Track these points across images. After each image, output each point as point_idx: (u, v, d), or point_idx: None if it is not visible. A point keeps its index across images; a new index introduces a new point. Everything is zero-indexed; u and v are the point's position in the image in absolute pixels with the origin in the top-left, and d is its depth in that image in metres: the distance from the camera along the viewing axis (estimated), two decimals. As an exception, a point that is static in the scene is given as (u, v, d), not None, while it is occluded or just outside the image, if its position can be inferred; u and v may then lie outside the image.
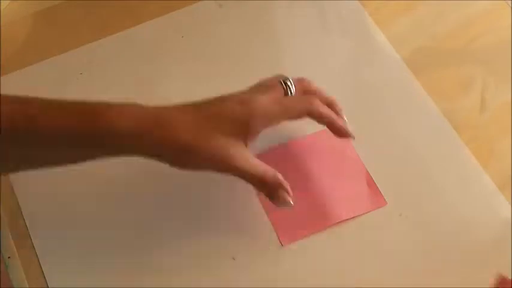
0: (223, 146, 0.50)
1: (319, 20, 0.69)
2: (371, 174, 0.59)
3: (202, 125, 0.49)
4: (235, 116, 0.50)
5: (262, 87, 0.54)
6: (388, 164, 0.60)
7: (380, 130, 0.62)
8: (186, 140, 0.49)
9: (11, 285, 0.55)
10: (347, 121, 0.56)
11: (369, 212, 0.57)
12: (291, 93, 0.54)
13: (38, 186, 0.60)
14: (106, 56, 0.68)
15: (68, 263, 0.56)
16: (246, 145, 0.52)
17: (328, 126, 0.55)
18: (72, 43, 0.68)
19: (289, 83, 0.54)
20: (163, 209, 0.58)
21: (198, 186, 0.58)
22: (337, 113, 0.56)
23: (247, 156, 0.51)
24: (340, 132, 0.55)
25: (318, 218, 0.57)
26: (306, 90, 0.56)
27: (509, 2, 0.70)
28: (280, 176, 0.52)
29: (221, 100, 0.52)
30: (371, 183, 0.59)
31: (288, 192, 0.52)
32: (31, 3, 0.71)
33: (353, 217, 0.57)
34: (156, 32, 0.69)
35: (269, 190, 0.52)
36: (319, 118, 0.54)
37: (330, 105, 0.56)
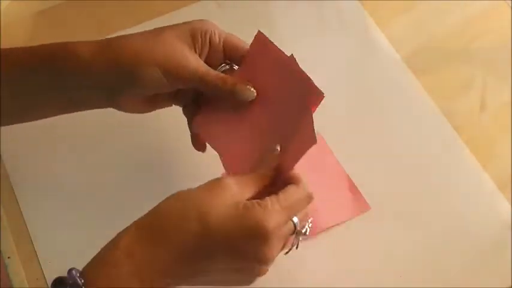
0: (176, 47, 0.51)
1: (319, 20, 0.69)
2: (370, 174, 0.59)
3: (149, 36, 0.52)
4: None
5: None
6: (388, 164, 0.60)
7: (380, 130, 0.62)
8: (135, 46, 0.51)
9: (11, 285, 0.55)
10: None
11: (354, 217, 0.57)
12: None
13: (38, 186, 0.60)
14: (106, 56, 0.68)
15: (68, 263, 0.56)
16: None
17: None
18: (72, 43, 0.68)
19: None
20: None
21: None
22: None
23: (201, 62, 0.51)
24: None
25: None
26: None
27: (509, 2, 0.70)
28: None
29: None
30: (353, 190, 0.58)
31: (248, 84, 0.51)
32: (31, 3, 0.71)
33: (338, 224, 0.56)
34: (156, 32, 0.69)
35: (228, 87, 0.51)
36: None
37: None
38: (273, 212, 0.44)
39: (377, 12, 0.70)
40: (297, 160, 0.47)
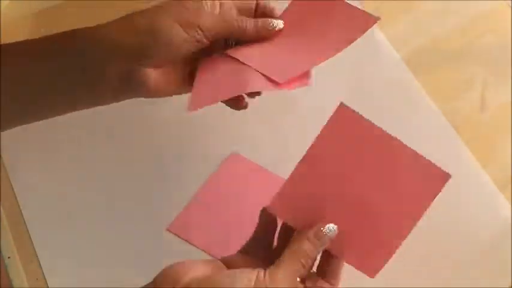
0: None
1: (319, 20, 0.69)
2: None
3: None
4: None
5: None
6: (388, 164, 0.60)
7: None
8: (150, 11, 0.52)
9: (11, 285, 0.55)
10: None
11: (362, 34, 0.53)
12: None
13: (38, 186, 0.60)
14: (106, 56, 0.68)
15: (68, 263, 0.56)
16: None
17: None
18: (72, 43, 0.68)
19: None
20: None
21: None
22: None
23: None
24: None
25: (310, 55, 0.53)
26: None
27: (510, 2, 0.70)
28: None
29: None
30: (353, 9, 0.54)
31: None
32: (31, 3, 0.71)
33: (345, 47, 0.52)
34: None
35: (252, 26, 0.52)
36: None
37: None
38: None
39: (377, 12, 0.69)
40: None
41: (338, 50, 0.53)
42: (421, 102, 0.63)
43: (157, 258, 0.56)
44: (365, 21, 0.55)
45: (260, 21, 0.53)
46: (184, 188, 0.59)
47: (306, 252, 0.45)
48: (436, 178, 0.46)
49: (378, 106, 0.64)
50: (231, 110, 0.54)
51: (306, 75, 0.53)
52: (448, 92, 0.64)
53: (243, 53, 0.54)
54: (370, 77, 0.65)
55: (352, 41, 0.52)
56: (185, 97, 0.52)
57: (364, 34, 0.68)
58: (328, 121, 0.48)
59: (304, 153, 0.48)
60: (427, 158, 0.60)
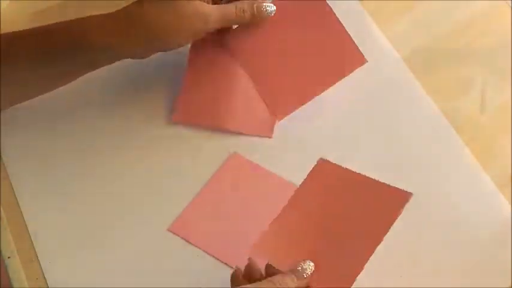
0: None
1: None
2: (370, 175, 0.59)
3: None
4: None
5: None
6: (388, 164, 0.60)
7: (380, 130, 0.62)
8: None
9: (11, 285, 0.55)
10: None
11: (351, 72, 0.60)
12: None
13: (38, 186, 0.60)
14: (106, 56, 0.68)
15: (68, 263, 0.56)
16: None
17: None
18: (72, 43, 0.68)
19: None
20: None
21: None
22: None
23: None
24: None
25: (305, 87, 0.61)
26: None
27: (509, 2, 0.70)
28: None
29: None
30: (348, 42, 0.60)
31: None
32: (31, 3, 0.71)
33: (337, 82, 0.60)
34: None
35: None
36: None
37: None
38: None
39: (377, 12, 0.70)
40: None
41: (327, 86, 0.61)
42: (421, 102, 0.63)
43: (158, 258, 0.56)
44: (357, 60, 0.61)
45: (256, 8, 0.59)
46: (185, 189, 0.59)
47: (286, 282, 0.47)
48: (397, 200, 0.50)
49: (378, 106, 0.64)
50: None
51: (270, 127, 0.61)
52: (448, 92, 0.64)
53: (243, 57, 0.61)
54: (370, 77, 0.65)
55: (341, 78, 0.60)
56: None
57: (364, 34, 0.68)
58: (309, 174, 0.53)
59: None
60: (426, 157, 0.60)
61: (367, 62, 0.60)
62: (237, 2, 0.59)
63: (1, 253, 0.57)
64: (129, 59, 0.58)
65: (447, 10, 0.69)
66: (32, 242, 0.57)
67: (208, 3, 0.57)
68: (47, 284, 0.55)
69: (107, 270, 0.56)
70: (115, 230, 0.58)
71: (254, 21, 0.60)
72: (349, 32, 0.62)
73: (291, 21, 0.62)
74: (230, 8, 0.58)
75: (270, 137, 0.61)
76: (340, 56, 0.61)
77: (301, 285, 0.48)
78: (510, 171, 0.59)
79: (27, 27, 0.65)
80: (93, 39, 0.54)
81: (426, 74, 0.65)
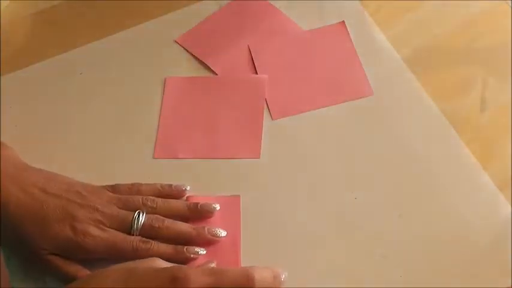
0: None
1: (319, 20, 0.69)
2: (370, 174, 0.59)
3: None
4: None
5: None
6: (388, 164, 0.60)
7: (380, 130, 0.62)
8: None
9: (11, 285, 0.55)
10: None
11: (353, 100, 0.63)
12: None
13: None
14: (106, 56, 0.68)
15: (68, 263, 0.56)
16: None
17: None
18: (72, 43, 0.68)
19: None
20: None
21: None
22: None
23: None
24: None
25: (307, 99, 0.64)
26: None
27: (509, 2, 0.69)
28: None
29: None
30: (360, 72, 0.64)
31: None
32: (31, 3, 0.71)
33: (339, 103, 0.63)
34: (156, 32, 0.69)
35: None
36: None
37: None
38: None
39: (377, 12, 0.70)
40: None
41: (329, 104, 0.63)
42: (421, 102, 0.63)
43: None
44: (365, 90, 0.64)
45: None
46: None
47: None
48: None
49: (378, 106, 0.64)
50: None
51: (257, 150, 0.61)
52: (448, 92, 0.64)
53: (261, 59, 0.66)
54: (369, 77, 0.65)
55: (344, 101, 0.63)
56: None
57: (364, 34, 0.68)
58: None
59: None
60: (426, 157, 0.60)
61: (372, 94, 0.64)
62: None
63: (1, 253, 0.57)
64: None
65: (447, 10, 0.69)
66: (32, 242, 0.57)
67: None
68: (47, 284, 0.55)
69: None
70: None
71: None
72: (353, 41, 0.66)
73: (313, 41, 0.67)
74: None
75: (258, 158, 0.61)
76: (349, 82, 0.64)
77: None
78: (510, 171, 0.59)
79: (27, 27, 0.65)
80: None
81: (426, 74, 0.65)
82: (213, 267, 0.52)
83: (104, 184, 0.58)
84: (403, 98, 0.64)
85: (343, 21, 0.68)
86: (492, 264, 0.55)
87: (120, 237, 0.53)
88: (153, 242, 0.53)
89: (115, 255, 0.52)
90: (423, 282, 0.54)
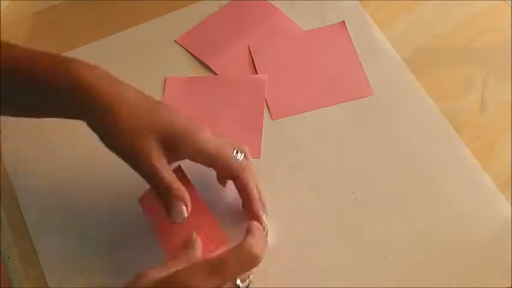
0: (148, 142, 0.51)
1: (319, 20, 0.69)
2: (370, 174, 0.59)
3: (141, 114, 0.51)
4: (176, 131, 0.51)
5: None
6: (388, 164, 0.60)
7: (380, 130, 0.62)
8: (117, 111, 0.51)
9: (11, 285, 0.55)
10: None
11: (353, 100, 0.63)
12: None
13: (38, 186, 0.60)
14: (106, 56, 0.68)
15: (68, 263, 0.56)
16: (168, 161, 0.52)
17: (245, 200, 0.54)
18: (72, 43, 0.68)
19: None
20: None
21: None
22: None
23: (165, 163, 0.51)
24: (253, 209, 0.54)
25: (307, 99, 0.64)
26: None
27: (509, 2, 0.70)
28: (185, 193, 0.51)
29: (175, 113, 0.52)
30: (360, 72, 0.64)
31: (187, 207, 0.51)
32: (31, 3, 0.71)
33: (339, 103, 0.63)
34: (156, 32, 0.69)
35: (168, 200, 0.51)
36: (243, 186, 0.54)
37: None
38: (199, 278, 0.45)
39: (377, 12, 0.70)
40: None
41: (329, 104, 0.64)
42: (421, 102, 0.63)
43: (158, 259, 0.56)
44: (364, 90, 0.64)
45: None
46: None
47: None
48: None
49: (378, 106, 0.64)
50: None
51: (257, 149, 0.61)
52: (448, 92, 0.64)
53: (261, 59, 0.66)
54: (370, 77, 0.65)
55: (344, 102, 0.64)
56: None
57: (364, 34, 0.68)
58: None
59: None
60: (426, 157, 0.60)
61: (373, 94, 0.64)
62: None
63: (1, 253, 0.57)
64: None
65: (447, 10, 0.69)
66: (32, 242, 0.57)
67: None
68: (47, 284, 0.55)
69: (107, 270, 0.56)
70: (115, 229, 0.58)
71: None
72: (353, 41, 0.66)
73: (313, 41, 0.67)
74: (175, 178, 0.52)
75: (258, 158, 0.61)
76: (349, 82, 0.64)
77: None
78: (510, 171, 0.59)
79: (27, 27, 0.65)
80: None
81: (426, 74, 0.65)
82: (211, 261, 0.48)
83: (107, 184, 0.58)
84: (403, 98, 0.64)
85: (343, 21, 0.68)
86: (492, 264, 0.55)
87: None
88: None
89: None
90: (423, 282, 0.54)
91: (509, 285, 0.54)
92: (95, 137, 0.62)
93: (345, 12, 0.70)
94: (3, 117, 0.62)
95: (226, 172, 0.54)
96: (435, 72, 0.65)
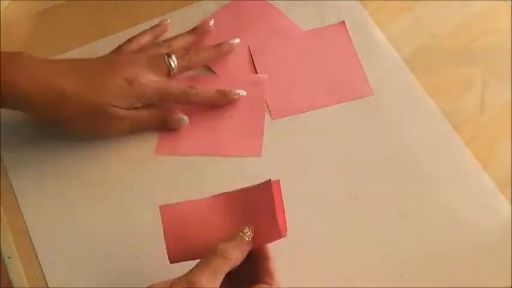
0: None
1: (319, 20, 0.69)
2: (370, 174, 0.59)
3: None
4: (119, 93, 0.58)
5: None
6: (387, 164, 0.60)
7: (380, 130, 0.62)
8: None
9: (11, 285, 0.55)
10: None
11: (353, 100, 0.63)
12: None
13: (38, 186, 0.60)
14: (106, 56, 0.68)
15: (68, 263, 0.56)
16: None
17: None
18: (72, 43, 0.68)
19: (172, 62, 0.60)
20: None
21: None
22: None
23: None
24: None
25: (306, 99, 0.64)
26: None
27: (509, 2, 0.70)
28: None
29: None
30: (360, 72, 0.65)
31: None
32: (31, 3, 0.71)
33: (339, 102, 0.64)
34: (156, 32, 0.69)
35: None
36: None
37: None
38: None
39: (377, 12, 0.70)
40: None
41: (329, 104, 0.64)
42: (421, 102, 0.63)
43: (158, 259, 0.56)
44: (364, 90, 0.64)
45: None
46: (185, 195, 0.59)
47: (224, 249, 0.46)
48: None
49: (378, 106, 0.64)
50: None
51: (258, 148, 0.61)
52: (448, 92, 0.64)
53: (261, 59, 0.66)
54: (370, 77, 0.65)
55: (344, 102, 0.64)
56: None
57: (364, 34, 0.68)
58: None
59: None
60: (426, 157, 0.60)
61: (373, 94, 0.64)
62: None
63: (1, 253, 0.57)
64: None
65: (447, 10, 0.69)
66: (32, 242, 0.57)
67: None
68: (47, 284, 0.55)
69: (107, 270, 0.56)
70: (115, 230, 0.58)
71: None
72: (353, 41, 0.67)
73: (313, 41, 0.67)
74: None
75: (258, 156, 0.61)
76: (349, 82, 0.64)
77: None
78: (510, 171, 0.59)
79: (27, 28, 0.65)
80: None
81: (426, 74, 0.65)
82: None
83: (107, 184, 0.58)
84: (403, 98, 0.64)
85: (343, 21, 0.68)
86: (492, 264, 0.55)
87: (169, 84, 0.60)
88: (198, 86, 0.61)
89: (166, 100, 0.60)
90: (423, 282, 0.54)
91: (509, 285, 0.54)
92: (96, 136, 0.63)
93: (344, 12, 0.70)
94: (3, 118, 0.62)
95: None
96: (435, 72, 0.65)
